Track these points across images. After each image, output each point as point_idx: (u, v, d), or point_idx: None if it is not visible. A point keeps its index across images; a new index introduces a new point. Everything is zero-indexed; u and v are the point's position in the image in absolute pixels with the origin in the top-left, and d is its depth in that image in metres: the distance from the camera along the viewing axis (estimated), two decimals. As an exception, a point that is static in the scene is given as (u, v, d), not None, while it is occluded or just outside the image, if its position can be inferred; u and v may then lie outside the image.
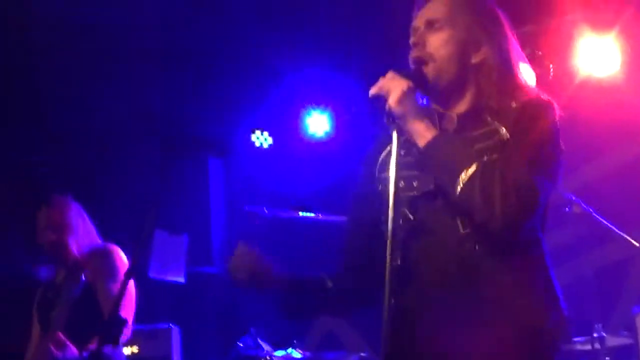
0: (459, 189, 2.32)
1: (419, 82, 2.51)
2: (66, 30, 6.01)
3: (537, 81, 6.34)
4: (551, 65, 5.99)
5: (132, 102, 6.64)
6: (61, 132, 6.57)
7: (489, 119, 2.50)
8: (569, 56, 6.05)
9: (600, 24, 5.89)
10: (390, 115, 2.43)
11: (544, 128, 2.44)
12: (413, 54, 2.56)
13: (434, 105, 2.61)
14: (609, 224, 5.03)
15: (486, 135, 2.47)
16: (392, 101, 2.42)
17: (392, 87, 2.44)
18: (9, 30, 6.01)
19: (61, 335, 3.89)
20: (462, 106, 2.58)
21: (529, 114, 2.46)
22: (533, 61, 5.95)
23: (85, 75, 6.36)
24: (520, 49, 2.67)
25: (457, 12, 2.58)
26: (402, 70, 2.53)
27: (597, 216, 5.05)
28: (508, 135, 2.43)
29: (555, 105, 2.52)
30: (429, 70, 2.53)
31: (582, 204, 5.02)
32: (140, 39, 6.33)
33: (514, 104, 2.49)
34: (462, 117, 2.55)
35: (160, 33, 6.29)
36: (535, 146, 2.40)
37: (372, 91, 2.46)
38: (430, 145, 2.41)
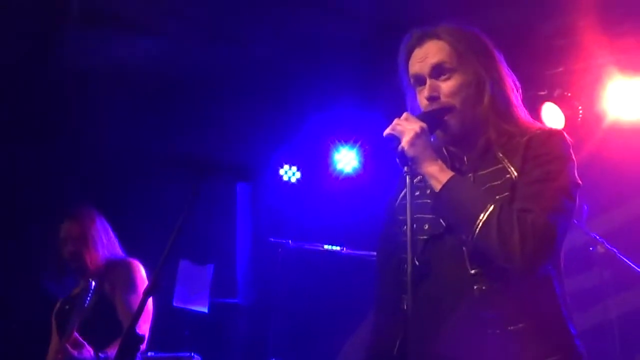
0: (476, 231, 2.31)
1: (434, 123, 2.50)
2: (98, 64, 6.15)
3: (565, 122, 6.31)
4: (580, 107, 6.00)
5: (163, 129, 6.74)
6: (91, 151, 6.69)
7: (499, 155, 2.48)
8: (598, 99, 6.04)
9: (630, 67, 5.89)
10: (403, 157, 2.41)
11: (556, 160, 2.42)
12: (432, 107, 2.53)
13: (443, 146, 2.60)
14: (633, 266, 4.98)
15: (495, 174, 2.46)
16: (404, 143, 2.39)
17: (406, 129, 2.41)
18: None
19: (77, 336, 3.96)
20: (473, 145, 2.55)
21: (538, 146, 2.44)
22: (563, 102, 6.01)
23: (119, 102, 6.49)
24: (513, 80, 2.63)
25: (459, 53, 2.55)
26: (419, 113, 2.52)
27: (622, 257, 5.01)
28: (516, 174, 2.42)
29: (565, 135, 2.50)
30: (452, 120, 2.52)
31: (607, 244, 4.98)
32: (175, 73, 6.45)
33: (521, 139, 2.47)
34: (472, 156, 2.55)
35: (191, 69, 6.40)
36: (549, 182, 2.37)
37: (386, 132, 2.44)
38: (445, 188, 2.39)
